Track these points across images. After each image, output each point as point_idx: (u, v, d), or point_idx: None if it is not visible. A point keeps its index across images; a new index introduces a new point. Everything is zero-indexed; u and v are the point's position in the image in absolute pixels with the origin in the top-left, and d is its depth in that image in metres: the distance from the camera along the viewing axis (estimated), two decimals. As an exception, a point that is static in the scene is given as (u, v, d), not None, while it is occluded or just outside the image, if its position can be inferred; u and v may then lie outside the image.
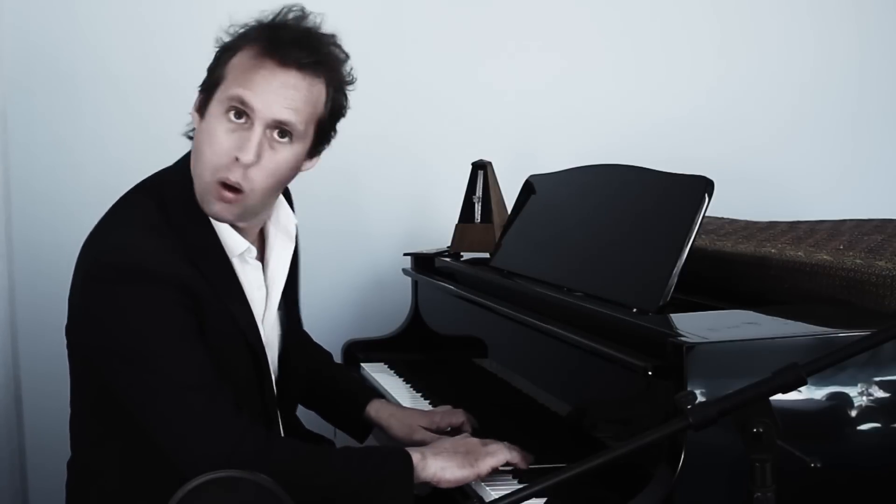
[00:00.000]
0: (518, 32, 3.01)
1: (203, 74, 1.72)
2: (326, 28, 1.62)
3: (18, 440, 2.48)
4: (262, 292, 1.69)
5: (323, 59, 1.57)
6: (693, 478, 1.29)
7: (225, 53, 1.57)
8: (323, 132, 1.63)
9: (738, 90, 3.16)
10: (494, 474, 1.59)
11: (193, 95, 1.74)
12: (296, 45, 1.54)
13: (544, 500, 1.42)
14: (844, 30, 3.24)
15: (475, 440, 1.64)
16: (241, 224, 1.62)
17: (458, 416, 1.88)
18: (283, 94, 1.53)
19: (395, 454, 1.55)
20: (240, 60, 1.55)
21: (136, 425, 1.53)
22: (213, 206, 1.56)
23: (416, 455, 1.53)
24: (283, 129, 1.54)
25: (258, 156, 1.52)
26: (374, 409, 1.93)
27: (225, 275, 1.60)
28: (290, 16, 1.58)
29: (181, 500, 1.10)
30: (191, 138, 1.64)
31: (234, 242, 1.61)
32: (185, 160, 1.64)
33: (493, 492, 1.56)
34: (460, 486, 1.57)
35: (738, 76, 3.16)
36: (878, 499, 1.41)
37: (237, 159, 1.52)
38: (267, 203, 1.64)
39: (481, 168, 2.48)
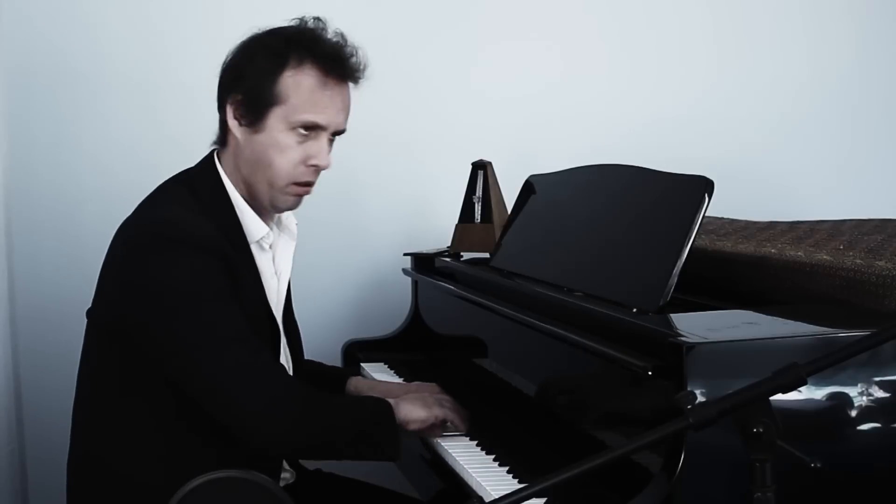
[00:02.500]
0: (518, 33, 3.01)
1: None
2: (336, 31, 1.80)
3: (19, 439, 2.47)
4: (274, 280, 1.83)
5: (363, 74, 1.80)
6: (693, 478, 1.29)
7: (273, 68, 1.71)
8: None
9: (737, 89, 3.15)
10: (447, 432, 1.84)
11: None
12: (349, 63, 1.76)
13: (544, 500, 1.42)
14: (840, 28, 3.23)
15: (427, 391, 1.94)
16: (264, 212, 1.79)
17: (433, 389, 2.00)
18: (343, 106, 1.77)
19: (378, 400, 1.78)
20: (299, 80, 1.71)
21: (151, 409, 1.64)
22: (289, 201, 1.78)
23: (391, 401, 1.77)
24: (339, 134, 1.79)
25: (330, 157, 1.77)
26: (353, 384, 2.08)
27: (247, 258, 1.74)
28: (330, 33, 1.76)
29: (181, 500, 1.10)
30: (219, 144, 1.79)
31: (255, 227, 1.77)
32: (207, 157, 1.80)
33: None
34: (424, 426, 1.80)
35: (738, 75, 3.16)
36: (878, 499, 1.41)
37: (315, 166, 1.74)
38: None
39: (481, 168, 2.48)
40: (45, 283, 2.68)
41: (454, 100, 2.97)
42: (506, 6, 3.01)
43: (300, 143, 1.72)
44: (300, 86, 1.71)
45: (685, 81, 3.12)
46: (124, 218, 1.75)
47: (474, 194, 2.48)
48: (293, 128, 1.71)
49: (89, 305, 1.77)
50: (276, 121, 1.71)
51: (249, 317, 1.67)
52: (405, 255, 2.60)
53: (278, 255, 1.86)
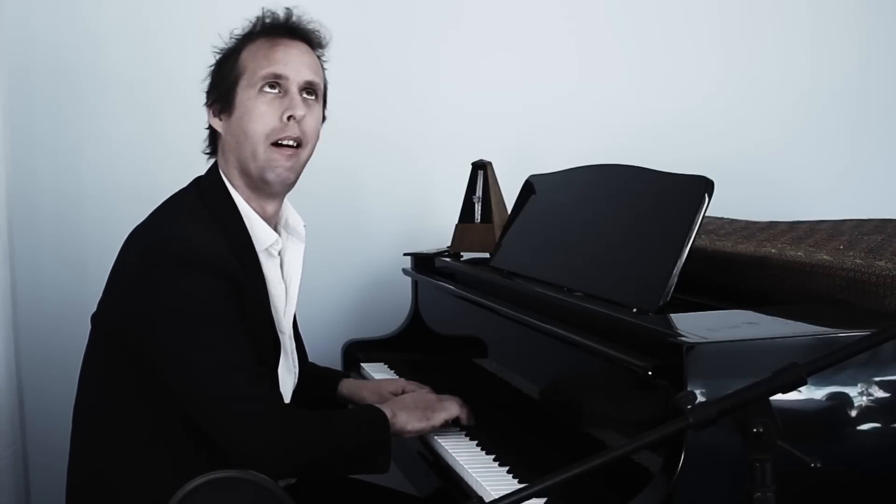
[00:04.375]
0: (519, 33, 3.01)
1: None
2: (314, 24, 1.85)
3: (22, 440, 2.48)
4: (281, 287, 1.83)
5: (317, 36, 1.84)
6: (693, 478, 1.29)
7: (231, 56, 1.79)
8: (325, 99, 1.86)
9: (738, 90, 3.16)
10: (447, 428, 1.85)
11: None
12: (297, 24, 1.81)
13: (544, 500, 1.42)
14: (844, 30, 3.23)
15: (431, 396, 1.91)
16: (270, 211, 1.80)
17: (420, 387, 2.02)
18: (301, 60, 1.78)
19: (374, 411, 1.75)
20: (253, 50, 1.77)
21: (159, 416, 1.64)
22: (277, 169, 1.75)
23: (387, 410, 1.75)
24: (311, 89, 1.79)
25: (305, 108, 1.75)
26: (346, 386, 2.10)
27: (255, 268, 1.74)
28: (281, 11, 1.81)
29: (181, 500, 1.10)
30: (209, 153, 1.83)
31: (264, 235, 1.78)
32: (213, 169, 1.81)
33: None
34: (420, 435, 1.83)
35: (738, 76, 3.16)
36: (878, 499, 1.41)
37: (290, 118, 1.73)
38: (305, 164, 1.81)
39: (481, 168, 2.48)
40: (46, 285, 2.68)
41: (454, 100, 2.97)
42: (507, 7, 3.01)
43: (270, 101, 1.73)
44: (254, 53, 1.76)
45: (686, 82, 3.12)
46: (124, 220, 1.75)
47: (474, 194, 2.48)
48: (259, 89, 1.73)
49: (92, 309, 1.77)
50: (242, 93, 1.74)
51: (253, 327, 1.68)
52: (405, 255, 2.60)
53: (287, 259, 1.86)
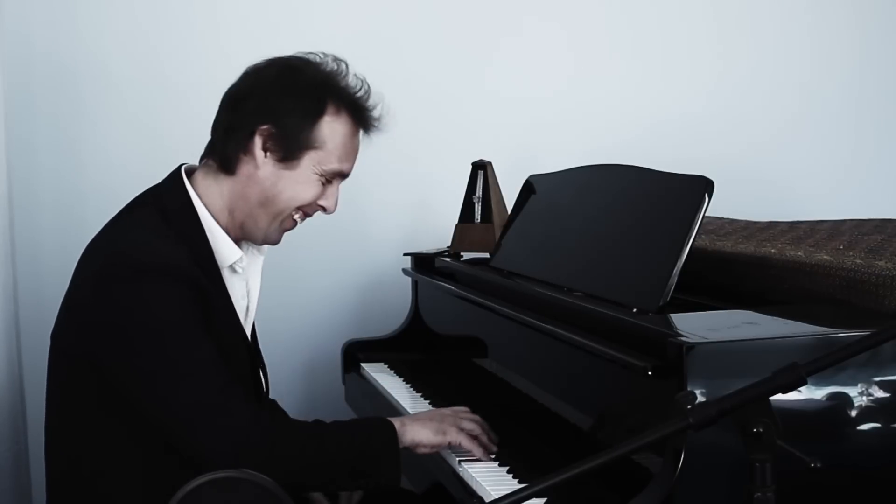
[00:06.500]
0: (518, 33, 3.01)
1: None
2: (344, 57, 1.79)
3: (24, 441, 2.48)
4: (244, 301, 1.78)
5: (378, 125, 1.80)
6: (693, 478, 1.29)
7: (312, 110, 1.69)
8: None
9: (738, 90, 3.16)
10: (468, 452, 1.71)
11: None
12: (374, 115, 1.77)
13: (544, 500, 1.42)
14: (844, 29, 3.23)
15: (448, 411, 1.78)
16: (237, 234, 1.74)
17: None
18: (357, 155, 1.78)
19: (380, 423, 1.67)
20: (336, 130, 1.71)
21: (128, 431, 1.59)
22: (278, 235, 1.75)
23: (396, 423, 1.66)
24: None
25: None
26: None
27: (219, 284, 1.69)
28: (364, 90, 1.76)
29: (181, 500, 1.10)
30: (223, 168, 1.71)
31: (228, 251, 1.71)
32: (175, 176, 1.73)
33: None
34: (435, 451, 1.71)
35: (738, 76, 3.16)
36: (878, 499, 1.41)
37: (323, 209, 1.75)
38: None
39: (481, 168, 2.48)
40: (47, 286, 2.67)
41: (454, 100, 2.98)
42: (507, 7, 3.01)
43: (319, 185, 1.72)
44: (336, 134, 1.70)
45: (687, 82, 3.12)
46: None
47: (474, 194, 2.48)
48: (322, 174, 1.70)
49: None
50: (309, 163, 1.69)
51: (224, 345, 1.62)
52: (405, 255, 2.60)
53: (248, 272, 1.79)
